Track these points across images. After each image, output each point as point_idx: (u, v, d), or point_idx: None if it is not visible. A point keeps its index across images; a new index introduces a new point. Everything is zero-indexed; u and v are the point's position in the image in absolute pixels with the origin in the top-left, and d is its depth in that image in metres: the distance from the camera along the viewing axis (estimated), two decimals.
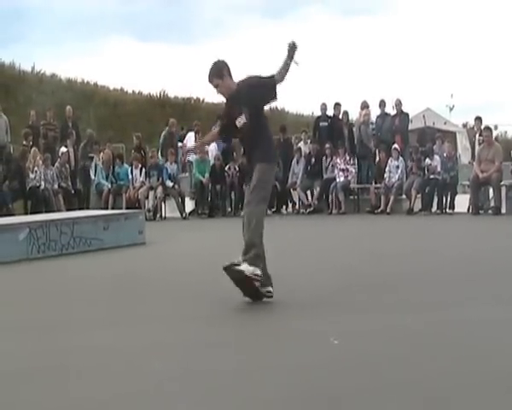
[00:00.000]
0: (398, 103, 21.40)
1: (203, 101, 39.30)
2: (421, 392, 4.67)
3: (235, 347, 6.32)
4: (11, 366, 5.68)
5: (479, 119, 20.85)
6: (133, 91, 40.61)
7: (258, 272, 7.24)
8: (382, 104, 21.68)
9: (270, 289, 7.56)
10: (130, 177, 21.75)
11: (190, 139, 22.81)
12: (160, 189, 21.40)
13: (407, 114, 21.92)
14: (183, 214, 21.19)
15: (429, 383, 4.85)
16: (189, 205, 22.02)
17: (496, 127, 19.78)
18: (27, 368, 5.59)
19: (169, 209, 21.89)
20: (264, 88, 7.59)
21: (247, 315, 7.60)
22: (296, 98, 73.91)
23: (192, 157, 22.23)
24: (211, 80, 7.62)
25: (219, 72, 7.54)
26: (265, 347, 6.24)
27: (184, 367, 5.53)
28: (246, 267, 7.15)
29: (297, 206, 21.22)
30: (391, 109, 21.83)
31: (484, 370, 5.14)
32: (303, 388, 4.80)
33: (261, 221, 7.39)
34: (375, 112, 21.88)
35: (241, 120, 7.61)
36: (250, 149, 7.89)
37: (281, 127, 22.94)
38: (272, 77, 7.49)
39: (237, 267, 7.19)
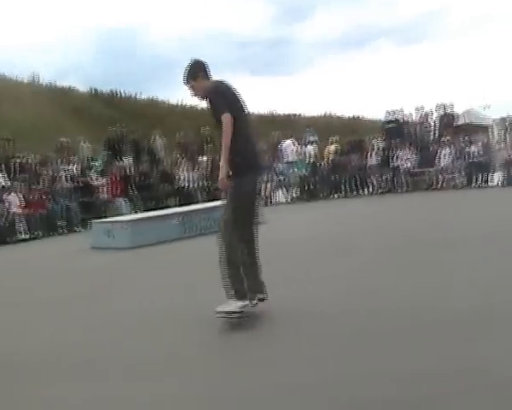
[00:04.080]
0: (448, 106, 21.39)
1: (300, 115, 39.61)
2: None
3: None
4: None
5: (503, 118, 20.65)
6: (249, 113, 41.13)
7: (242, 303, 5.39)
8: (439, 107, 21.61)
9: (246, 302, 5.45)
10: None
11: (286, 145, 23.11)
12: (272, 182, 21.85)
13: (453, 115, 21.88)
14: (290, 200, 21.58)
15: None
16: (295, 192, 22.37)
17: None
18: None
19: (279, 197, 22.27)
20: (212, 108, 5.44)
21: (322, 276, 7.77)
22: (370, 106, 73.43)
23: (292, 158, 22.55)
24: (186, 82, 5.60)
25: (194, 73, 5.53)
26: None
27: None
28: (234, 305, 5.38)
29: (373, 188, 21.30)
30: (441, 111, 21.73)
31: None
32: None
33: (226, 253, 5.40)
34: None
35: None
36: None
37: (352, 131, 23.70)
38: (222, 110, 5.27)
39: (229, 313, 5.38)
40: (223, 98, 5.33)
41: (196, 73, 5.58)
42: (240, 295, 5.39)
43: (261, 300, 5.60)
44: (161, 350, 5.09)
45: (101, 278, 9.36)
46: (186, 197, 20.11)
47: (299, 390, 3.81)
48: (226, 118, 5.21)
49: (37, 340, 5.87)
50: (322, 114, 41.11)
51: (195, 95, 5.65)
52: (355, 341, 4.66)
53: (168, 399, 3.97)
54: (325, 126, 29.90)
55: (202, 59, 5.70)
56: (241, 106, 5.59)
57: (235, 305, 5.35)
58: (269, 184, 21.71)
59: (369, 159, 21.33)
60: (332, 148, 22.50)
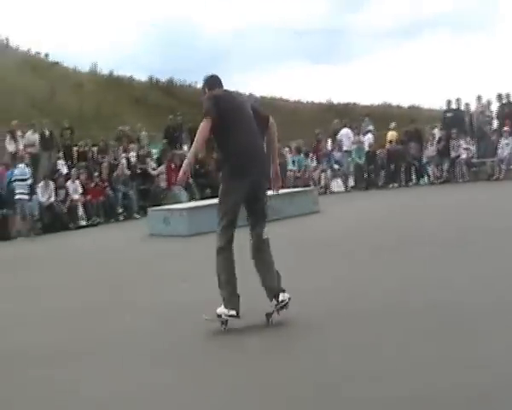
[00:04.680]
0: (507, 96, 20.82)
1: (358, 104, 39.21)
2: None
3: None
4: None
5: None
6: (307, 101, 41.07)
7: (227, 312, 5.26)
8: (499, 97, 21.08)
9: (232, 312, 5.28)
10: (305, 163, 22.15)
11: (343, 133, 22.90)
12: (328, 171, 21.71)
13: None
14: (347, 188, 21.43)
15: None
16: (351, 181, 22.17)
17: None
18: None
19: (336, 185, 22.07)
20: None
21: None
22: (428, 96, 72.35)
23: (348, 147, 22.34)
24: (201, 98, 5.82)
25: (203, 89, 5.86)
26: None
27: None
28: (220, 309, 5.31)
29: (431, 178, 20.96)
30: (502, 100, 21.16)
31: None
32: None
33: (217, 258, 5.39)
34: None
35: None
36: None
37: (411, 120, 23.48)
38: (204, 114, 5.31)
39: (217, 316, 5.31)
40: (211, 105, 5.35)
41: (204, 88, 5.84)
42: (227, 303, 5.29)
43: (268, 315, 5.37)
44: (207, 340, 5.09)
45: (155, 266, 9.44)
46: None
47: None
48: (204, 122, 5.25)
49: (100, 326, 5.97)
50: (380, 102, 40.70)
51: None
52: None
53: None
54: (383, 115, 29.57)
55: (213, 74, 5.91)
56: (239, 114, 5.52)
57: (220, 310, 5.29)
58: (325, 174, 21.63)
59: (429, 148, 20.98)
60: (394, 133, 22.33)
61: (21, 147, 19.21)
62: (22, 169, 17.11)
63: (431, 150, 20.91)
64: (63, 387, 4.38)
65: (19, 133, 19.52)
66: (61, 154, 20.23)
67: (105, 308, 6.71)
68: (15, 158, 18.41)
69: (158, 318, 6.00)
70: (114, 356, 5.01)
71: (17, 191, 16.59)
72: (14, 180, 16.78)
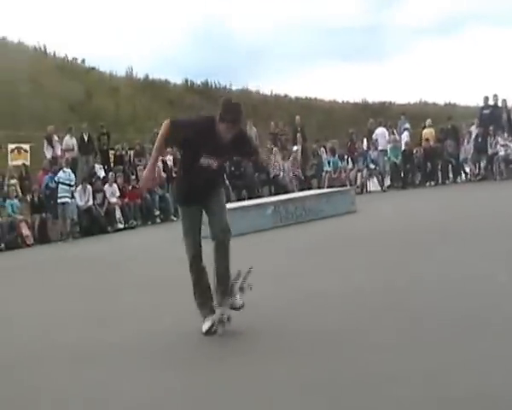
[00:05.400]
0: None
1: (394, 103, 39.01)
2: None
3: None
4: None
5: None
6: (342, 101, 40.91)
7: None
8: None
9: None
10: (340, 164, 22.04)
11: (379, 133, 22.70)
12: (365, 170, 21.61)
13: None
14: (383, 188, 21.28)
15: None
16: (387, 180, 22.01)
17: None
18: None
19: (372, 185, 21.96)
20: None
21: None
22: (463, 93, 71.52)
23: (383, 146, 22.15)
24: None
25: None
26: None
27: None
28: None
29: (468, 175, 20.73)
30: None
31: None
32: None
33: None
34: None
35: (212, 163, 5.45)
36: (209, 188, 5.69)
37: (448, 117, 23.13)
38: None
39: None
40: None
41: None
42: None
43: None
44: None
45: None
46: (280, 186, 20.13)
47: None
48: None
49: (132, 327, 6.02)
50: (417, 100, 40.44)
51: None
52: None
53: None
54: (419, 114, 29.33)
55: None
56: None
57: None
58: (361, 173, 21.54)
59: (466, 145, 20.75)
60: (431, 131, 22.13)
61: (59, 152, 19.51)
62: (68, 174, 17.34)
63: (468, 148, 20.69)
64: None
65: (55, 138, 19.83)
66: (98, 158, 20.48)
67: (126, 312, 6.79)
68: (54, 163, 18.67)
69: (174, 319, 5.97)
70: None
71: (61, 195, 16.82)
72: (58, 183, 16.98)
